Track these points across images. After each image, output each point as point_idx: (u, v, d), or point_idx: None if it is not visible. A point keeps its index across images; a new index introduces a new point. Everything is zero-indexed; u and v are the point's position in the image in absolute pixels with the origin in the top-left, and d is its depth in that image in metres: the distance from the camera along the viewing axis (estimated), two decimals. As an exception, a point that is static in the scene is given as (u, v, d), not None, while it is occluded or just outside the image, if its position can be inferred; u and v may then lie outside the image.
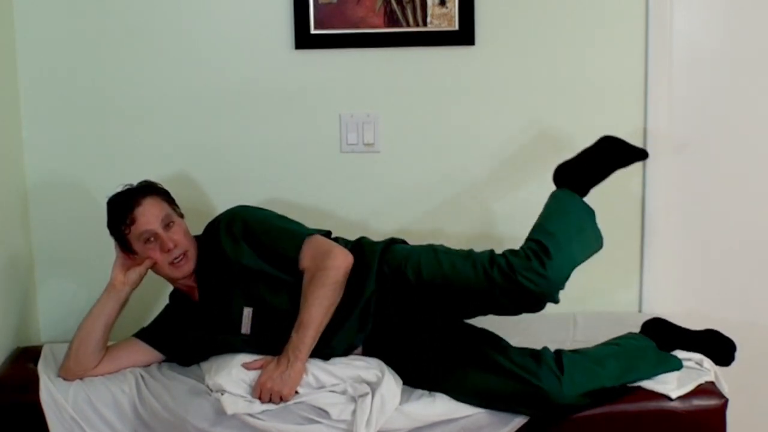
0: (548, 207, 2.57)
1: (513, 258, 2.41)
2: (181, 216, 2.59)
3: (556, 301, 2.40)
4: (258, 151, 2.97)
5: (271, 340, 2.47)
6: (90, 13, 2.88)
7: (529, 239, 2.48)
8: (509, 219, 2.98)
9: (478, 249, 2.93)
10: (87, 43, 2.90)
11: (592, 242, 2.53)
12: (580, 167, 2.60)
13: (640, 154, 2.65)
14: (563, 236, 2.44)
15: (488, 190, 2.99)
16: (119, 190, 2.55)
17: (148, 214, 2.48)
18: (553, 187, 2.61)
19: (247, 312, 2.52)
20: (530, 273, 2.36)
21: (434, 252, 2.52)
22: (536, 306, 2.41)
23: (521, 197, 2.97)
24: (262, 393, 2.38)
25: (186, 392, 2.45)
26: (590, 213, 2.55)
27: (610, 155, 2.61)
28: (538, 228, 2.50)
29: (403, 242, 2.65)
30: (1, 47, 2.81)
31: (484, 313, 2.52)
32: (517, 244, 2.47)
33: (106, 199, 2.55)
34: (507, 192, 3.00)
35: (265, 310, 2.51)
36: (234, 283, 2.52)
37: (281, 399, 2.38)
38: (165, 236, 2.48)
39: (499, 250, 2.97)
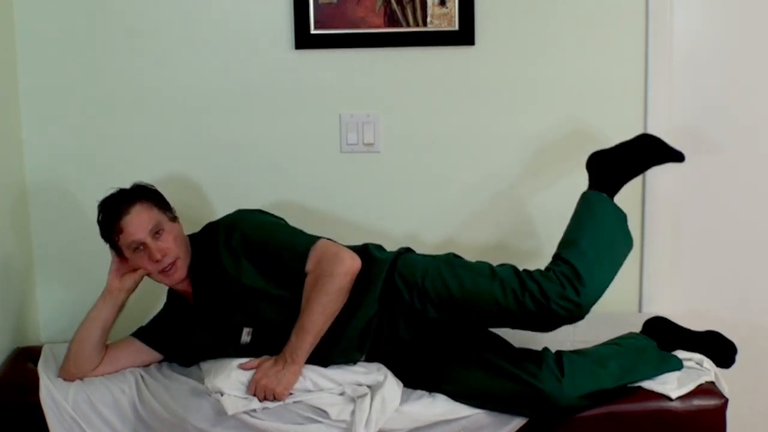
0: (579, 215, 2.54)
1: (546, 284, 2.37)
2: (174, 219, 2.54)
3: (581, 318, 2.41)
4: (257, 152, 2.97)
5: (270, 350, 2.45)
6: (90, 14, 2.88)
7: (559, 258, 2.45)
8: (509, 217, 2.99)
9: (478, 248, 2.92)
10: (87, 43, 2.90)
11: (623, 252, 2.52)
12: (616, 160, 2.58)
13: (677, 156, 2.62)
14: (595, 256, 2.42)
15: (488, 190, 2.99)
16: (109, 193, 2.50)
17: (136, 223, 2.43)
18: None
19: (247, 331, 2.50)
20: (564, 301, 2.35)
21: (453, 267, 2.46)
22: (558, 326, 2.42)
23: (521, 196, 2.97)
24: (256, 389, 2.37)
25: (186, 392, 2.45)
26: (622, 219, 2.53)
27: (648, 152, 2.60)
28: (569, 245, 2.47)
29: (411, 251, 2.60)
30: (1, 47, 2.81)
31: (498, 327, 2.51)
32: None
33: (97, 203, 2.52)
34: (507, 191, 2.99)
35: (265, 328, 2.49)
36: (233, 303, 2.49)
37: (274, 398, 2.37)
38: (153, 246, 2.43)
39: (498, 249, 2.97)
